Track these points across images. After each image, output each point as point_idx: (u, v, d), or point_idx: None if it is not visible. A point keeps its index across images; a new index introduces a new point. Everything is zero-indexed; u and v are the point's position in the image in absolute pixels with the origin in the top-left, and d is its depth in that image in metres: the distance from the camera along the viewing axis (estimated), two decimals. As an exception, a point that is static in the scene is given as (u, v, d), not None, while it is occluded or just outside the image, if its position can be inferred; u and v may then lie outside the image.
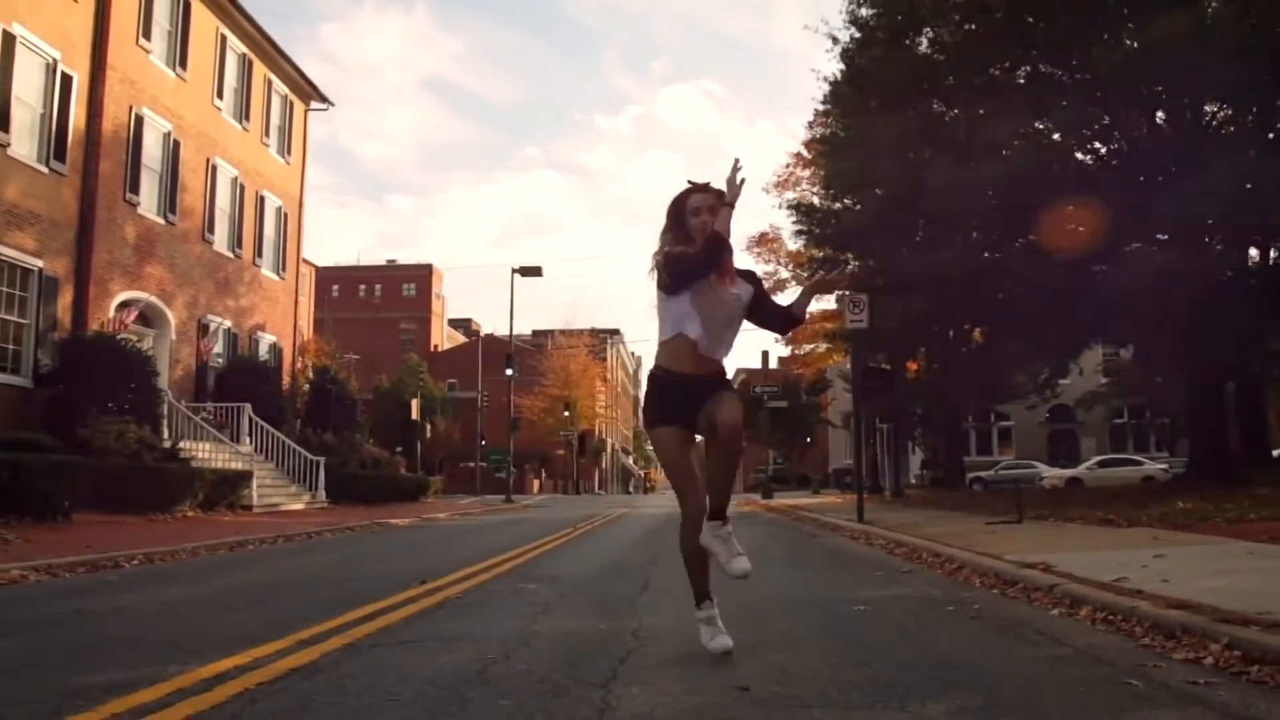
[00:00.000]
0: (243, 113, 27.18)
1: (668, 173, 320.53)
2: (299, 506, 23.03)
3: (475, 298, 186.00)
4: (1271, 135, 18.26)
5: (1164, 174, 17.99)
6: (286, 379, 30.38)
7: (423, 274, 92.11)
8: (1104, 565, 6.90)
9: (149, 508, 16.75)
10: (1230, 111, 18.34)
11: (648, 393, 4.52)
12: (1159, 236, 18.10)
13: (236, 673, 3.88)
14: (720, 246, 4.15)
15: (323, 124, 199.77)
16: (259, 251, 28.37)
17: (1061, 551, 8.19)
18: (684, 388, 4.28)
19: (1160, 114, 19.09)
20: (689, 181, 4.45)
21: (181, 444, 20.37)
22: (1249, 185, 16.88)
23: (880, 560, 9.57)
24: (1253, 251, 20.41)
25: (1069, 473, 37.01)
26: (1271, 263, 20.29)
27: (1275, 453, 31.26)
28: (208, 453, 21.23)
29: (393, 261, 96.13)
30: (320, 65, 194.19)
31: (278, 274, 29.78)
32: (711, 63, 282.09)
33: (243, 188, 27.11)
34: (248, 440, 23.66)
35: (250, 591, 7.36)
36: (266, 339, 28.94)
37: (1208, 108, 18.51)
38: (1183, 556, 7.55)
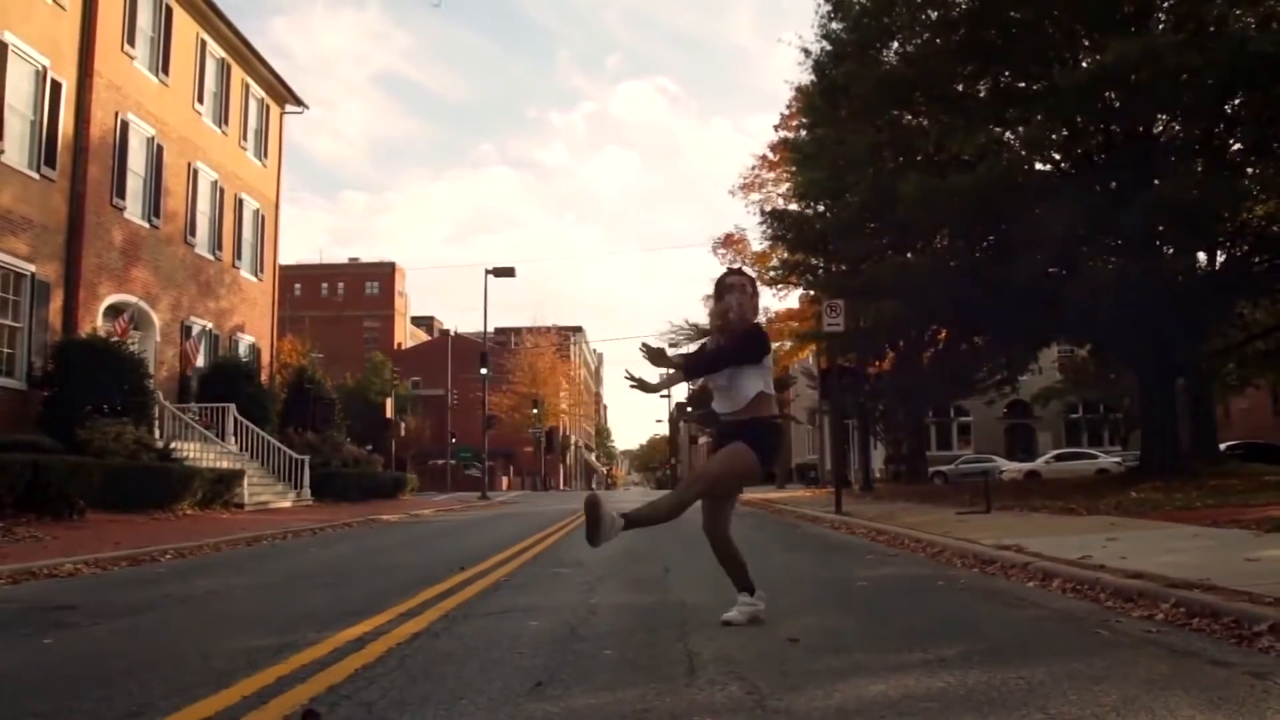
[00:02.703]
0: (222, 117, 27.60)
1: (623, 169, 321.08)
2: (286, 504, 23.55)
3: (437, 295, 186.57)
4: (1216, 147, 19.39)
5: (1120, 184, 19.06)
6: (267, 379, 30.78)
7: (386, 272, 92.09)
8: (1069, 547, 7.85)
9: (151, 506, 17.26)
10: (1179, 127, 19.44)
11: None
12: (1114, 243, 19.15)
13: (374, 634, 4.68)
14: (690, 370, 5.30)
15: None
16: (238, 253, 28.79)
17: (1030, 536, 9.15)
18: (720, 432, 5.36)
19: (1115, 127, 20.15)
20: (728, 268, 5.53)
21: (173, 444, 20.86)
22: (1196, 195, 18.03)
23: (866, 546, 10.48)
24: (1200, 256, 21.59)
25: (1027, 466, 38.28)
26: (1218, 268, 21.46)
27: (1222, 446, 32.67)
28: (197, 452, 21.71)
29: (355, 260, 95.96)
30: (272, 61, 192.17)
31: (255, 275, 30.20)
32: (665, 59, 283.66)
33: (222, 191, 27.53)
34: (233, 440, 24.14)
35: (311, 578, 8.10)
36: (246, 340, 29.37)
37: (1159, 120, 19.59)
38: (1137, 539, 8.53)
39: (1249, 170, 19.32)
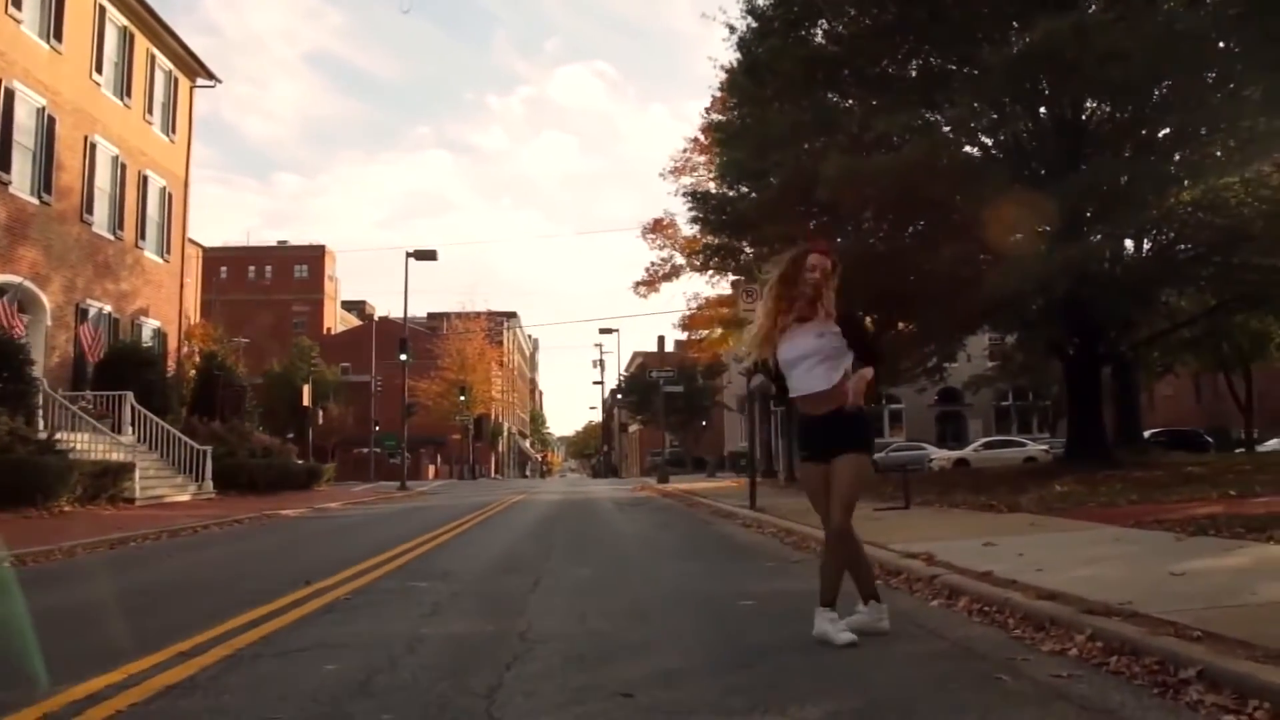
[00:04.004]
0: (124, 89, 26.13)
1: (561, 154, 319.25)
2: (185, 498, 22.37)
3: (369, 279, 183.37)
4: (1144, 133, 19.04)
5: (1047, 168, 18.61)
6: (172, 366, 29.41)
7: (315, 255, 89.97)
8: (983, 555, 7.16)
9: (23, 503, 16.04)
10: (1108, 109, 19.03)
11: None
12: (1042, 229, 18.71)
13: (110, 692, 3.76)
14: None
15: (205, 99, 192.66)
16: (142, 233, 27.35)
17: (944, 539, 8.47)
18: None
19: (1043, 110, 19.71)
20: (809, 243, 5.05)
21: (59, 435, 19.54)
22: (1123, 180, 17.62)
23: (771, 549, 9.74)
24: (1128, 244, 21.30)
25: (956, 454, 38.16)
26: (1144, 255, 21.17)
27: (1146, 434, 32.82)
28: (86, 444, 20.41)
29: (284, 242, 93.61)
30: (201, 38, 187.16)
31: (162, 256, 28.78)
32: (604, 44, 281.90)
33: (124, 167, 26.09)
34: (130, 430, 22.84)
35: (132, 597, 7.11)
36: (150, 324, 27.98)
37: (1088, 104, 19.18)
38: (1057, 544, 7.88)
39: (1175, 156, 19.00)
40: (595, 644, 4.76)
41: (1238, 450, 38.92)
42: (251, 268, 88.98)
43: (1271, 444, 40.70)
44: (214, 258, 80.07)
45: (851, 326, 4.93)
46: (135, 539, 12.15)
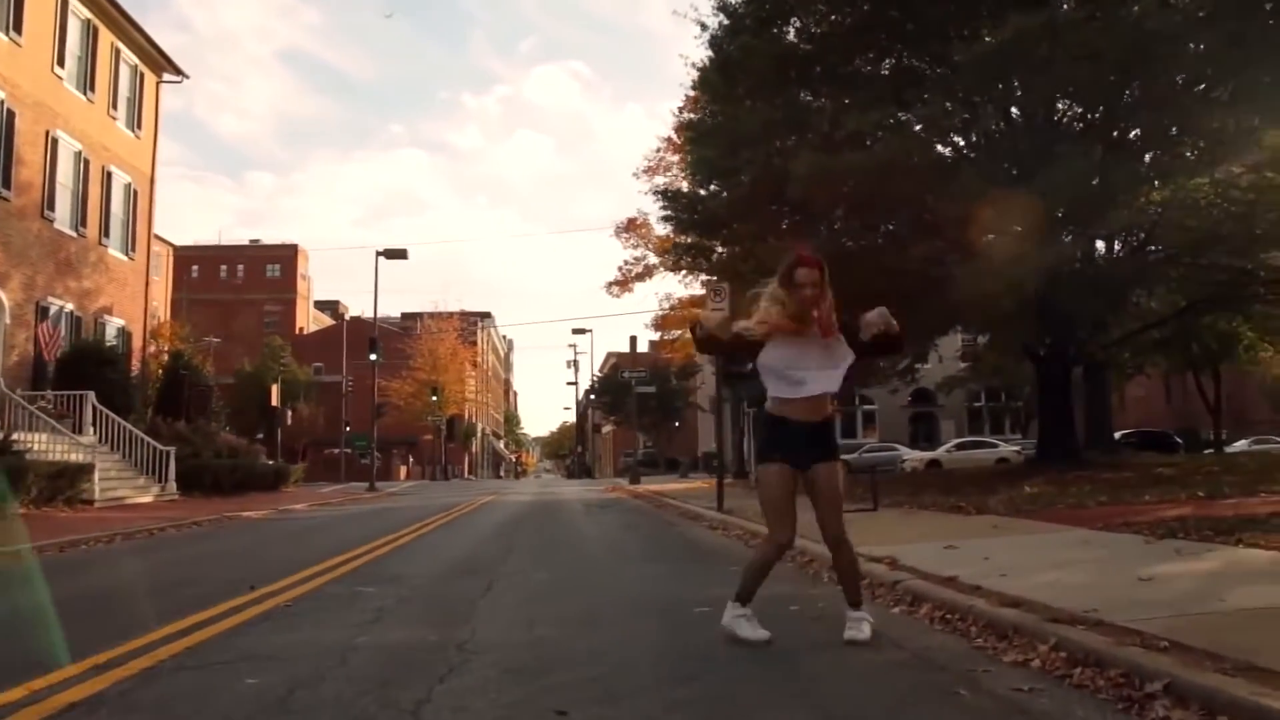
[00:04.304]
0: (87, 83, 25.64)
1: (537, 153, 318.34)
2: (147, 499, 21.94)
3: (344, 279, 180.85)
4: (1115, 134, 18.99)
5: (1018, 168, 18.51)
6: (136, 365, 28.94)
7: (288, 254, 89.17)
8: (949, 559, 6.99)
9: (-27, 505, 15.64)
10: (1080, 110, 18.96)
11: None
12: (1013, 228, 18.62)
13: (2, 713, 3.49)
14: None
15: (177, 95, 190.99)
16: (105, 230, 26.85)
17: (910, 542, 8.30)
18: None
19: (1015, 110, 19.63)
20: (796, 253, 4.86)
21: (15, 435, 19.11)
22: (1095, 181, 17.53)
23: (736, 553, 9.52)
24: (1099, 245, 21.24)
25: (929, 455, 38.16)
26: (1115, 255, 21.13)
27: (1117, 435, 32.90)
28: (45, 444, 19.98)
29: (256, 241, 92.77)
30: (173, 34, 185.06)
31: (126, 254, 28.27)
32: (580, 44, 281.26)
33: (87, 162, 25.61)
34: (91, 431, 22.38)
35: (68, 603, 6.77)
36: (114, 323, 27.49)
37: (1060, 104, 19.11)
38: (1023, 547, 7.72)
39: (1146, 157, 18.96)
40: (539, 654, 4.52)
41: (1206, 451, 39.17)
42: (223, 267, 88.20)
43: (1239, 445, 40.99)
44: (185, 256, 79.27)
45: (851, 334, 4.80)
46: (87, 542, 11.82)
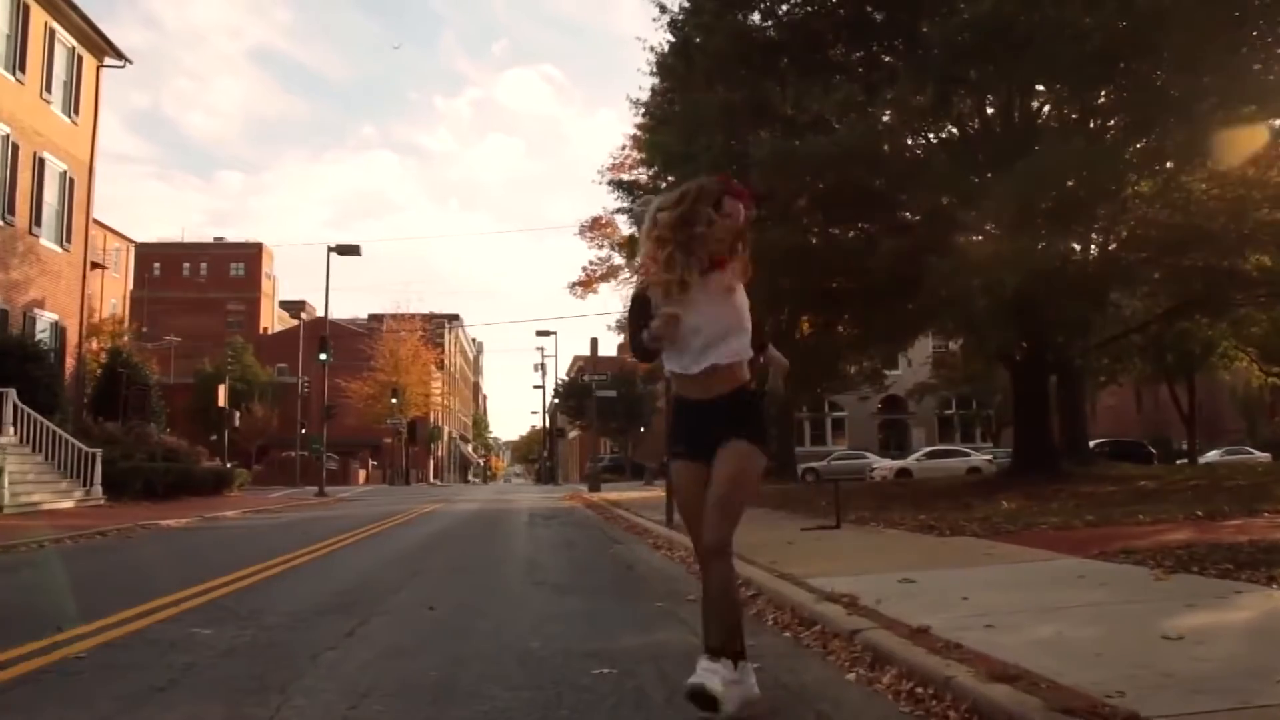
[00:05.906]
0: (16, 63, 24.17)
1: (508, 156, 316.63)
2: (68, 505, 20.54)
3: (312, 279, 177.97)
4: (1094, 125, 17.94)
5: (994, 162, 17.42)
6: (71, 362, 27.42)
7: (252, 253, 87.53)
8: (919, 598, 5.74)
9: None
10: (1060, 96, 17.88)
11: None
12: (988, 225, 17.54)
13: None
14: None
15: (144, 92, 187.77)
16: (37, 219, 25.38)
17: (875, 571, 7.04)
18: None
19: (990, 99, 18.56)
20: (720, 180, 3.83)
21: (-84, 436, 17.63)
22: (1074, 176, 16.44)
23: (673, 578, 8.22)
24: (1076, 246, 20.20)
25: (899, 464, 37.12)
26: (1095, 255, 20.10)
27: (1092, 444, 32.03)
28: (-50, 445, 18.50)
29: (220, 239, 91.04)
30: (142, 31, 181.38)
31: (61, 245, 26.77)
32: (552, 47, 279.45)
33: (16, 147, 24.17)
34: (12, 430, 20.94)
35: None
36: (46, 317, 26.02)
37: (1038, 88, 18.02)
38: (1010, 581, 6.47)
39: (1128, 149, 17.89)
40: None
41: (1180, 461, 38.54)
42: (186, 264, 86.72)
43: (1212, 455, 40.37)
44: (147, 254, 77.47)
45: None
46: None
